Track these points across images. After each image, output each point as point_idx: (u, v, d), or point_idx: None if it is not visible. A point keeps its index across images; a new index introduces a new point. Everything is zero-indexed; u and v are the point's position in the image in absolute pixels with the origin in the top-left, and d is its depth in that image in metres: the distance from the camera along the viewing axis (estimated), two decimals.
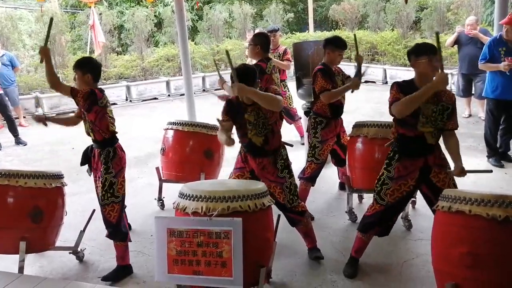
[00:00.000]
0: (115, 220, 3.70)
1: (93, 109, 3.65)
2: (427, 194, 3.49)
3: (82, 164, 4.00)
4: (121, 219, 3.74)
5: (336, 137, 4.64)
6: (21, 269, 3.55)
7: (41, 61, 3.75)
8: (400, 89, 3.26)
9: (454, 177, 3.39)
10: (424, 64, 3.22)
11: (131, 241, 3.86)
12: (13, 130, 8.40)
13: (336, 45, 4.46)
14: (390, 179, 3.42)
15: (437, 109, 3.28)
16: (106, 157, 3.73)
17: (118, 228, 3.72)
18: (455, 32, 8.22)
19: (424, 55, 3.22)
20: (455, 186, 3.43)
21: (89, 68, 3.72)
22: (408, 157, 3.39)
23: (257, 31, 10.33)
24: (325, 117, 4.53)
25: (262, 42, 4.97)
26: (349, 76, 4.64)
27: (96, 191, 3.84)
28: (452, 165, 3.36)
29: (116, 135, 3.88)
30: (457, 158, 3.33)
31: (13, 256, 3.67)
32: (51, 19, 4.05)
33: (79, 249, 4.06)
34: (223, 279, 2.82)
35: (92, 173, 3.93)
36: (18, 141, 8.35)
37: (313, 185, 4.65)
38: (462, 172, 3.28)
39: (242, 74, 3.38)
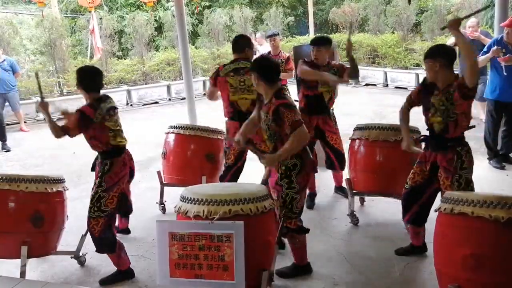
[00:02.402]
0: (98, 234, 3.61)
1: (90, 127, 3.61)
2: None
3: (92, 169, 4.03)
4: (105, 232, 3.63)
5: (317, 135, 4.73)
6: (22, 274, 3.55)
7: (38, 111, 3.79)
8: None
9: None
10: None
11: (121, 249, 3.75)
12: (2, 135, 8.40)
13: (311, 42, 4.70)
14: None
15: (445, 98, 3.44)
16: (101, 170, 3.73)
17: (102, 241, 3.63)
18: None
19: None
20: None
21: (78, 81, 3.74)
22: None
23: (258, 35, 10.36)
24: (300, 108, 4.55)
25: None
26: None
27: None
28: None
29: (121, 146, 3.83)
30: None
31: (15, 261, 3.67)
32: (36, 74, 4.24)
33: (80, 254, 4.05)
34: (225, 282, 2.82)
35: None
36: (3, 147, 8.33)
37: None
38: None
39: (264, 67, 3.40)
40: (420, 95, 3.67)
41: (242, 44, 4.52)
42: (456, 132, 3.46)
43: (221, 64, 4.78)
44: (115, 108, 3.85)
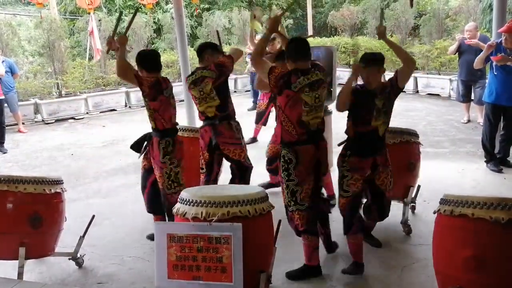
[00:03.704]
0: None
1: (158, 98, 3.84)
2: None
3: (133, 147, 4.22)
4: None
5: None
6: (20, 275, 3.54)
7: (108, 51, 4.15)
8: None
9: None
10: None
11: None
12: (1, 136, 8.39)
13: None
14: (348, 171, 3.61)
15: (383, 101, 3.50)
16: (165, 147, 3.93)
17: None
18: (455, 39, 8.26)
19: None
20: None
21: (138, 63, 4.02)
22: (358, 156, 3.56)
23: (258, 37, 10.37)
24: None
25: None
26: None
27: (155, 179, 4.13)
28: None
29: (177, 127, 4.20)
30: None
31: (12, 262, 3.67)
32: (136, 10, 4.72)
33: (78, 255, 4.05)
34: (223, 284, 2.82)
35: (143, 160, 4.17)
36: (0, 149, 8.30)
37: None
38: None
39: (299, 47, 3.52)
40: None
41: (201, 52, 4.43)
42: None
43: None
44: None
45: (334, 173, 4.08)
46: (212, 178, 4.52)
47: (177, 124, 4.17)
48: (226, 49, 13.91)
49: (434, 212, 2.98)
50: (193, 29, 17.12)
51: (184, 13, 8.84)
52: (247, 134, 5.86)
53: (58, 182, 3.92)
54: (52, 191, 3.77)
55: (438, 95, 10.79)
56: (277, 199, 4.35)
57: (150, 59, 4.09)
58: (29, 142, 8.86)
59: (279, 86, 3.41)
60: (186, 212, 2.96)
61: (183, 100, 8.35)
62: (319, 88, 3.46)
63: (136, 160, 7.06)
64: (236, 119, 4.54)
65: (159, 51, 13.92)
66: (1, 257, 3.69)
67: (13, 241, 3.57)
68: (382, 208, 3.77)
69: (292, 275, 3.65)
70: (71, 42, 15.01)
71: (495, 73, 5.63)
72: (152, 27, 13.75)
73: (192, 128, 5.15)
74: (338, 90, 6.30)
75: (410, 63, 3.59)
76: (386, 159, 3.63)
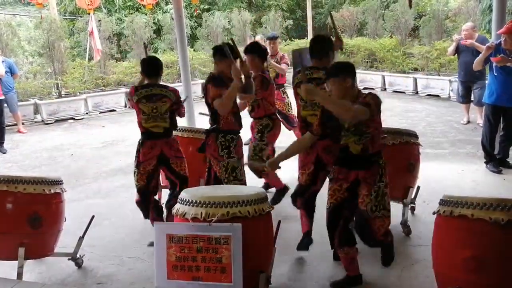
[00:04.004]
0: None
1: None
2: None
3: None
4: None
5: None
6: (19, 275, 3.54)
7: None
8: None
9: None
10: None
11: None
12: (1, 136, 8.40)
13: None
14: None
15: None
16: (226, 143, 4.15)
17: None
18: (453, 40, 8.25)
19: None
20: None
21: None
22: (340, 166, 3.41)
23: (257, 38, 10.39)
24: None
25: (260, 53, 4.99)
26: None
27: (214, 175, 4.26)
28: None
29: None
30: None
31: (12, 262, 3.66)
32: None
33: (78, 256, 4.05)
34: (223, 284, 2.82)
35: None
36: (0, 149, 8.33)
37: None
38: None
39: (317, 45, 3.63)
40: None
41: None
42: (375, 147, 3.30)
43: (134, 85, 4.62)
44: None
45: None
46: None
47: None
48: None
49: (434, 213, 2.98)
50: (193, 29, 17.13)
51: (184, 14, 8.84)
52: (246, 134, 5.84)
53: (58, 182, 3.91)
54: (52, 191, 3.76)
55: (437, 96, 10.80)
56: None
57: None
58: (29, 143, 8.86)
59: None
60: (185, 213, 2.96)
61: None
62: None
63: (134, 159, 7.04)
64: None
65: (158, 52, 13.95)
66: (1, 257, 3.68)
67: (13, 241, 3.56)
68: (362, 232, 3.44)
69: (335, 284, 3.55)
70: (71, 42, 15.02)
71: (495, 74, 5.64)
72: (151, 27, 13.74)
73: (191, 128, 5.15)
74: None
75: (346, 116, 3.13)
76: (372, 176, 3.30)
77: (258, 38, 10.41)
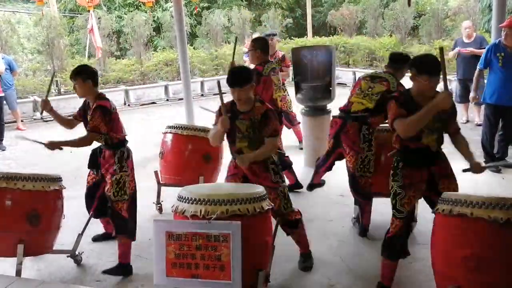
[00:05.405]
0: (127, 215, 3.94)
1: (112, 118, 3.91)
2: (433, 200, 3.24)
3: (89, 167, 4.20)
4: (133, 213, 4.04)
5: None
6: (18, 272, 3.53)
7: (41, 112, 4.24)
8: (400, 103, 3.13)
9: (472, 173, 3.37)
10: (424, 83, 3.08)
11: (135, 240, 3.96)
12: (0, 133, 8.40)
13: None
14: (402, 188, 3.28)
15: (439, 117, 3.20)
16: (119, 157, 4.02)
17: (128, 223, 3.92)
18: (454, 42, 8.37)
19: (426, 74, 3.06)
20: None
21: (88, 74, 3.88)
22: (411, 167, 3.30)
23: (255, 36, 10.40)
24: None
25: (261, 46, 5.05)
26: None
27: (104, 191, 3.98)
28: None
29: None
30: (469, 154, 3.37)
31: (11, 259, 3.65)
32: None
33: (77, 253, 4.05)
34: (222, 282, 2.82)
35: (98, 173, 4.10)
36: None
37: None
38: (479, 167, 3.29)
39: (237, 75, 3.42)
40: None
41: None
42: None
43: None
44: None
45: None
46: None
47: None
48: (226, 48, 14.01)
49: (433, 212, 2.98)
50: (193, 27, 17.12)
51: (184, 12, 8.83)
52: None
53: (57, 179, 3.91)
54: (51, 188, 3.75)
55: None
56: None
57: (97, 74, 4.06)
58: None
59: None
60: (185, 210, 2.96)
61: (182, 99, 8.36)
62: None
63: (134, 158, 7.05)
64: None
65: (157, 49, 13.90)
66: (0, 254, 3.68)
67: (12, 238, 3.55)
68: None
69: None
70: (71, 39, 15.00)
71: (496, 74, 5.64)
72: (151, 25, 13.74)
73: (190, 126, 5.15)
74: (337, 90, 6.33)
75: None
76: (446, 166, 3.42)
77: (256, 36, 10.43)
